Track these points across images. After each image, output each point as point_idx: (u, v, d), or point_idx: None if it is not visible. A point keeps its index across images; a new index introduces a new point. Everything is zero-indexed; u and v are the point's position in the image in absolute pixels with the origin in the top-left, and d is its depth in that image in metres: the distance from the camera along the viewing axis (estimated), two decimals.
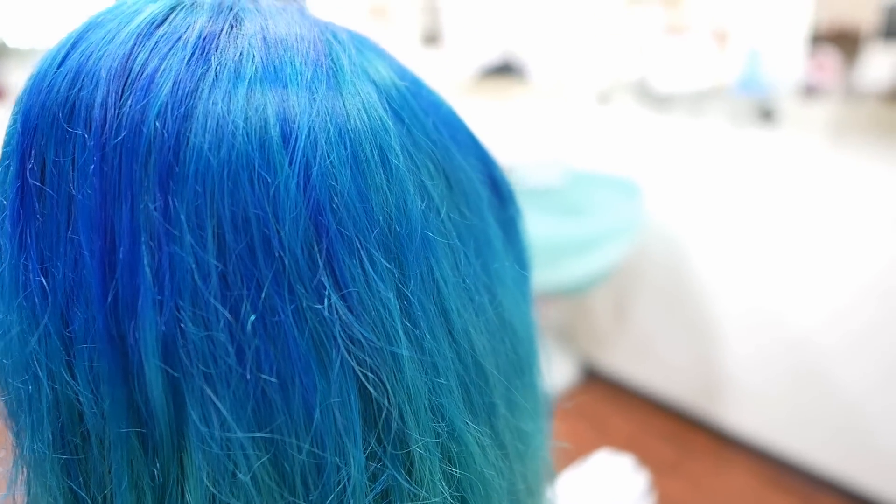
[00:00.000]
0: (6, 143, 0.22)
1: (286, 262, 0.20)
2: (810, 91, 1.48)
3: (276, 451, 0.20)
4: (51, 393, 0.21)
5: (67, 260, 0.20)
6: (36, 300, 0.20)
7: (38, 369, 0.21)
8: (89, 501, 0.22)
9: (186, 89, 0.21)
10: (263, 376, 0.20)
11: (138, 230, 0.20)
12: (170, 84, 0.21)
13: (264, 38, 0.23)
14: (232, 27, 0.23)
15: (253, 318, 0.20)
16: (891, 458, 1.56)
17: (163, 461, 0.21)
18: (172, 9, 0.23)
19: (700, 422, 1.96)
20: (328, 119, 0.21)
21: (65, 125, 0.21)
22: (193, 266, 0.19)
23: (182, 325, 0.20)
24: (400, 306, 0.22)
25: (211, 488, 0.20)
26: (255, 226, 0.20)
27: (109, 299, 0.20)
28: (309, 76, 0.22)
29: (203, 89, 0.21)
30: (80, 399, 0.21)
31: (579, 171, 1.99)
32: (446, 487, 0.23)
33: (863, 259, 1.48)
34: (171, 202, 0.20)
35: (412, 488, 0.22)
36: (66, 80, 0.21)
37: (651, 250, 1.93)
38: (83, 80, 0.21)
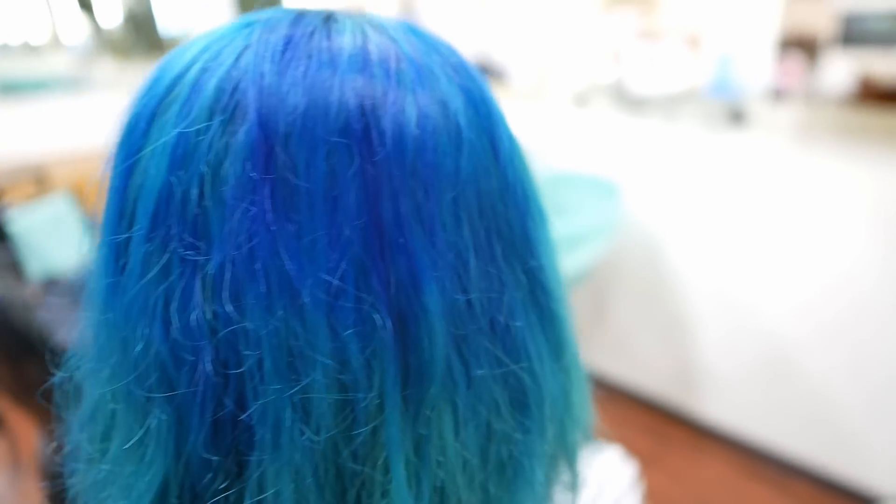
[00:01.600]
0: (241, 147, 0.24)
1: (512, 238, 0.28)
2: (778, 95, 1.53)
3: (512, 381, 0.28)
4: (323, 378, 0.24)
5: (342, 250, 0.24)
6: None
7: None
8: (360, 473, 0.25)
9: (420, 102, 0.26)
10: (509, 322, 0.28)
11: (406, 223, 0.24)
12: (410, 96, 0.26)
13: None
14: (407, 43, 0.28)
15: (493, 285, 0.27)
16: (859, 445, 1.63)
17: (426, 417, 0.25)
18: (364, 36, 0.27)
19: (677, 415, 2.02)
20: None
21: (326, 135, 0.24)
22: (458, 248, 0.26)
23: (456, 296, 0.26)
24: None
25: (472, 425, 0.26)
26: (493, 212, 0.27)
27: (390, 280, 0.24)
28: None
29: (415, 98, 0.26)
30: (354, 376, 0.24)
31: (558, 172, 2.03)
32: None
33: (830, 253, 1.55)
34: (431, 197, 0.25)
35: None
36: (302, 93, 0.24)
37: (628, 249, 1.98)
38: (320, 93, 0.24)
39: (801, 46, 1.46)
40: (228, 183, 0.23)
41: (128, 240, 0.25)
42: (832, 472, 1.70)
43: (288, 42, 0.26)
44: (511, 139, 0.29)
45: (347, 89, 0.25)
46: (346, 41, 0.27)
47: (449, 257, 0.26)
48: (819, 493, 1.69)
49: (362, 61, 0.26)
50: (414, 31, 0.29)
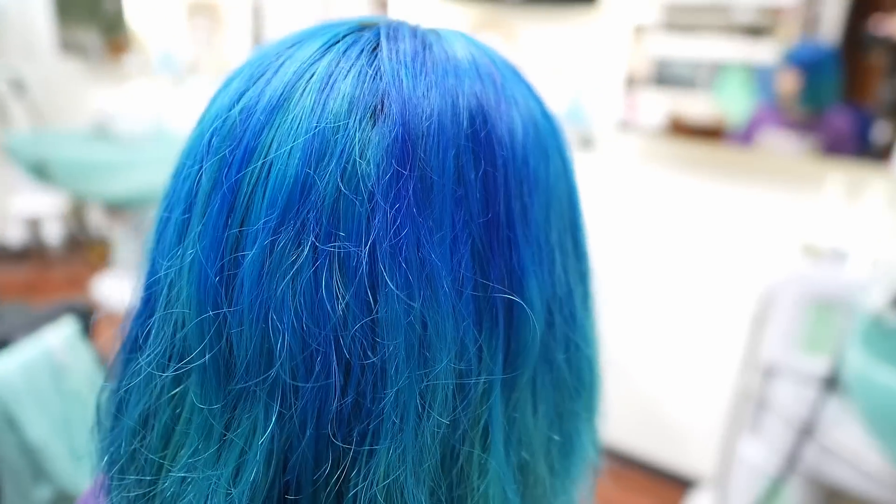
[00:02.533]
0: (387, 144, 0.24)
1: (575, 239, 0.31)
2: (625, 125, 1.76)
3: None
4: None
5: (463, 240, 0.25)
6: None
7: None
8: (465, 453, 0.26)
9: (519, 113, 0.28)
10: (579, 312, 0.30)
11: (515, 222, 0.26)
12: (514, 106, 0.28)
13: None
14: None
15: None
16: (679, 436, 1.83)
17: (516, 399, 0.27)
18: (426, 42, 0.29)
19: None
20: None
21: (455, 138, 0.26)
22: (551, 245, 0.28)
23: (548, 286, 0.28)
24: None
25: (545, 405, 0.29)
26: (566, 215, 0.30)
27: (503, 272, 0.26)
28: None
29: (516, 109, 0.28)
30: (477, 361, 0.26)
31: None
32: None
33: (661, 259, 1.77)
34: (532, 199, 0.27)
35: None
36: (436, 98, 0.26)
37: None
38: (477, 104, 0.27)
39: (631, 85, 1.69)
40: (372, 177, 0.24)
41: (241, 234, 0.24)
42: (659, 460, 1.89)
43: (415, 50, 0.27)
44: (568, 149, 0.32)
45: (470, 97, 0.26)
46: (459, 52, 0.28)
47: (545, 252, 0.28)
48: (649, 480, 1.88)
49: (476, 71, 0.28)
50: (477, 42, 0.31)
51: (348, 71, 0.26)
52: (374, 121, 0.25)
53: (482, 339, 0.26)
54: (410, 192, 0.24)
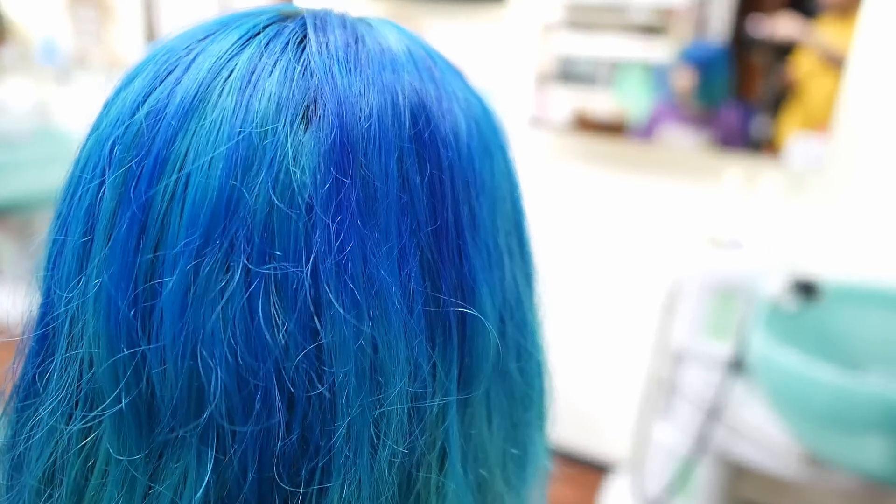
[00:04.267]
0: (324, 149, 0.22)
1: (521, 241, 0.30)
2: (536, 122, 1.79)
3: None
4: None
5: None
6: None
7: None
8: (423, 477, 0.24)
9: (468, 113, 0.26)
10: (530, 318, 0.30)
11: (464, 227, 0.25)
12: (455, 101, 0.26)
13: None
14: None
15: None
16: (595, 424, 1.90)
17: (471, 414, 0.26)
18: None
19: None
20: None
21: (398, 140, 0.23)
22: (500, 250, 0.27)
23: (499, 294, 0.27)
24: None
25: (499, 416, 0.27)
26: (510, 217, 0.29)
27: (453, 283, 0.25)
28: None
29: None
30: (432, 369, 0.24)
31: None
32: None
33: (573, 251, 1.82)
34: (479, 203, 0.26)
35: None
36: (374, 96, 0.23)
37: None
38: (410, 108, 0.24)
39: (543, 83, 1.72)
40: (308, 187, 0.21)
41: (156, 258, 0.21)
42: (576, 447, 1.95)
43: (347, 43, 0.25)
44: (509, 145, 0.30)
45: (410, 93, 0.24)
46: (393, 44, 0.26)
47: (494, 258, 0.26)
48: (566, 467, 1.94)
49: (413, 65, 0.25)
50: (409, 33, 0.28)
51: (273, 67, 0.23)
52: (307, 123, 0.22)
53: (436, 355, 0.24)
54: (353, 201, 0.22)
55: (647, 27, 1.49)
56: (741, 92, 1.41)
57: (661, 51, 1.49)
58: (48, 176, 2.50)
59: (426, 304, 0.24)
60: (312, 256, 0.21)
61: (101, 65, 2.52)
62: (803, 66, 1.33)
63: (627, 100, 1.56)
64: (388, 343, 0.22)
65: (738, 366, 1.25)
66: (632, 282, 1.73)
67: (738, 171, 1.38)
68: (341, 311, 0.21)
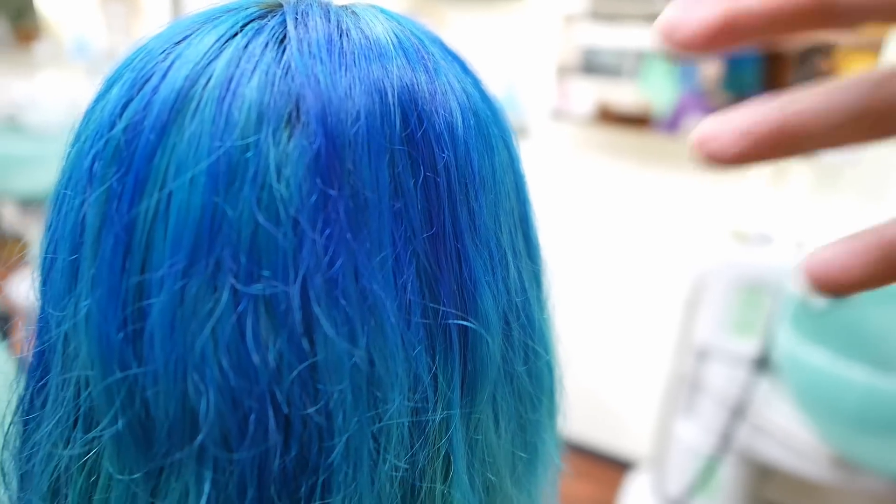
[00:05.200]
0: (308, 159, 0.21)
1: (527, 236, 0.28)
2: (559, 114, 1.77)
3: None
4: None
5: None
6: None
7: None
8: (427, 488, 0.24)
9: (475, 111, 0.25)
10: (538, 316, 0.28)
11: (463, 231, 0.23)
12: (450, 93, 0.24)
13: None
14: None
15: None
16: (617, 421, 1.88)
17: (476, 420, 0.25)
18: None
19: None
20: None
21: (388, 143, 0.22)
22: (503, 249, 0.26)
23: (504, 296, 0.26)
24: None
25: (507, 419, 0.27)
26: (515, 211, 0.27)
27: (453, 290, 0.23)
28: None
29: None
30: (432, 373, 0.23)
31: None
32: None
33: (595, 245, 1.80)
34: (478, 201, 0.24)
35: None
36: (360, 96, 0.22)
37: None
38: (411, 105, 0.23)
39: (563, 75, 1.70)
40: (294, 202, 0.20)
41: (143, 280, 0.20)
42: (598, 444, 1.93)
43: (330, 38, 0.23)
44: (512, 135, 0.28)
45: (400, 89, 0.23)
46: (381, 33, 0.24)
47: (496, 258, 0.25)
48: (588, 464, 1.92)
49: (403, 56, 0.24)
50: (398, 17, 0.27)
51: (253, 71, 0.21)
52: (291, 132, 0.21)
53: (437, 366, 0.23)
54: (342, 213, 0.21)
55: None
56: (771, 82, 1.37)
57: None
58: None
59: (424, 315, 0.23)
60: (301, 274, 0.20)
61: None
62: (838, 54, 1.28)
63: (652, 91, 1.53)
64: (384, 358, 0.22)
65: (763, 363, 1.22)
66: (654, 276, 1.70)
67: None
68: (333, 330, 0.21)
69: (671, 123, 1.52)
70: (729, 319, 1.32)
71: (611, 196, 1.72)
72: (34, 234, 2.78)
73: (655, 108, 1.54)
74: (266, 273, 0.20)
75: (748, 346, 1.29)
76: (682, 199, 1.61)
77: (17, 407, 0.25)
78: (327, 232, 0.20)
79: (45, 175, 2.47)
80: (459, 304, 0.23)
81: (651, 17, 1.49)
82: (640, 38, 1.51)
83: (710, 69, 1.43)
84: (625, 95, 1.57)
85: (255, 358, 0.20)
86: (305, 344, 0.20)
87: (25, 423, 0.24)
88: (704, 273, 1.39)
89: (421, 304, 0.23)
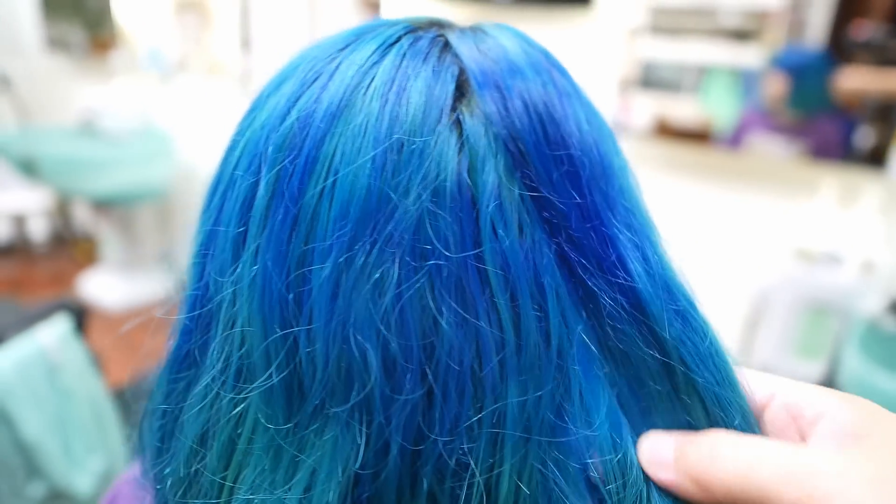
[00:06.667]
0: (497, 155, 0.23)
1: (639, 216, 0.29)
2: (617, 127, 1.77)
3: None
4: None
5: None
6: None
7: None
8: None
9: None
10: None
11: (605, 209, 0.25)
12: (575, 98, 0.27)
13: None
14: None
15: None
16: None
17: None
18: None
19: None
20: None
21: (550, 147, 0.24)
22: (633, 228, 0.27)
23: (643, 267, 0.26)
24: None
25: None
26: (630, 194, 0.29)
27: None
28: None
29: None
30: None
31: None
32: None
33: None
34: (614, 188, 0.26)
35: None
36: (531, 105, 0.24)
37: None
38: (541, 113, 0.25)
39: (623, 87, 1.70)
40: (465, 188, 0.23)
41: (308, 249, 0.23)
42: None
43: (482, 52, 0.26)
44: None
45: (536, 98, 0.25)
46: (512, 49, 0.27)
47: (636, 237, 0.27)
48: None
49: (533, 69, 0.26)
50: (522, 34, 0.29)
51: (417, 74, 0.24)
52: (456, 128, 0.23)
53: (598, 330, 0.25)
54: (506, 197, 0.23)
55: (738, 31, 1.45)
56: (840, 101, 1.35)
57: (751, 56, 1.44)
58: (148, 172, 2.67)
59: (574, 292, 0.25)
60: (474, 250, 0.22)
61: (199, 69, 2.67)
62: None
63: (713, 106, 1.52)
64: (546, 330, 0.23)
65: (828, 387, 1.20)
66: (713, 294, 1.68)
67: (834, 182, 1.32)
68: (502, 301, 0.23)
69: (733, 140, 1.51)
70: (792, 341, 1.30)
71: (669, 210, 1.72)
72: (105, 233, 2.91)
73: (716, 123, 1.53)
74: (436, 247, 0.22)
75: (812, 369, 1.26)
76: (743, 217, 1.59)
77: (167, 367, 0.27)
78: (506, 213, 0.23)
79: (116, 178, 2.58)
80: (610, 278, 0.25)
81: (712, 32, 1.48)
82: (701, 52, 1.51)
83: (775, 86, 1.42)
84: (684, 110, 1.57)
85: (421, 324, 0.22)
86: (470, 313, 0.22)
87: (176, 380, 0.27)
88: (766, 292, 1.37)
89: (570, 282, 0.24)
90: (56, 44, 3.25)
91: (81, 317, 1.18)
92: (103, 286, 2.87)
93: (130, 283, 2.83)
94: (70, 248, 3.43)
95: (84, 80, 3.28)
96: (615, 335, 0.25)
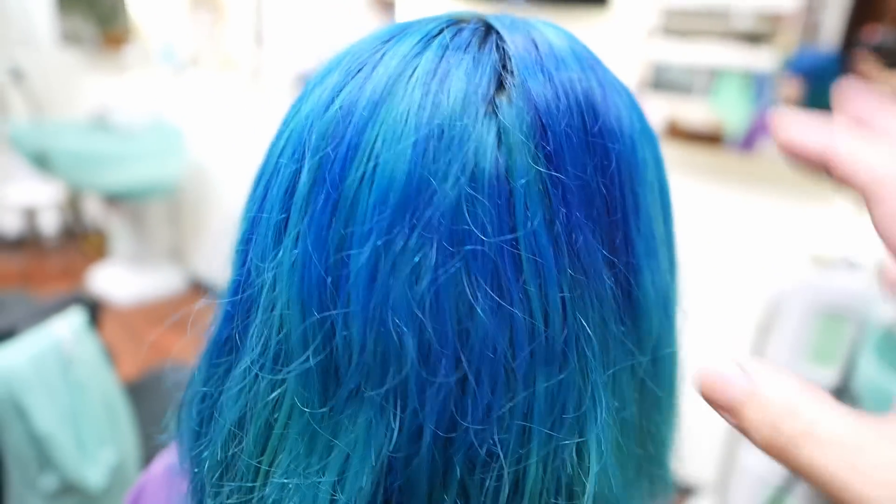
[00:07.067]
0: (535, 144, 0.23)
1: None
2: None
3: None
4: None
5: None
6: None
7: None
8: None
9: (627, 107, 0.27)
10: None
11: (629, 215, 0.26)
12: (616, 92, 0.27)
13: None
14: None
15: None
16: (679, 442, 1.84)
17: None
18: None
19: None
20: None
21: (588, 138, 0.24)
22: (655, 232, 0.28)
23: (659, 276, 0.27)
24: None
25: None
26: (664, 195, 0.30)
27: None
28: None
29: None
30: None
31: None
32: None
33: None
34: (642, 191, 0.27)
35: None
36: (571, 96, 0.25)
37: None
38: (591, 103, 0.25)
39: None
40: (501, 174, 0.23)
41: (347, 233, 0.23)
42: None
43: (525, 45, 0.26)
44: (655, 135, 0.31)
45: (579, 91, 0.25)
46: (557, 43, 0.27)
47: (652, 245, 0.27)
48: None
49: (578, 63, 0.26)
50: (566, 31, 0.29)
51: (459, 63, 0.24)
52: (495, 115, 0.23)
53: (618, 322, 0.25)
54: (546, 186, 0.23)
55: (750, 34, 1.44)
56: None
57: (764, 58, 1.44)
58: (159, 167, 2.68)
59: (611, 276, 0.25)
60: (507, 234, 0.23)
61: (212, 64, 2.68)
62: None
63: (725, 109, 1.52)
64: (583, 316, 0.24)
65: (841, 393, 1.19)
66: (725, 298, 1.67)
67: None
68: (533, 287, 0.23)
69: (746, 142, 1.50)
70: (806, 346, 1.29)
71: (680, 213, 1.71)
72: (115, 228, 2.93)
73: (728, 126, 1.52)
74: (474, 233, 0.22)
75: (826, 375, 1.25)
76: (756, 221, 1.58)
77: (207, 352, 0.28)
78: (548, 201, 0.23)
79: (128, 172, 2.59)
80: (623, 277, 0.25)
81: (724, 35, 1.48)
82: (713, 54, 1.50)
83: (789, 88, 1.41)
84: (695, 112, 1.56)
85: (457, 309, 0.22)
86: (506, 301, 0.22)
87: (216, 364, 0.27)
88: (779, 297, 1.37)
89: (609, 271, 0.25)
90: (69, 38, 3.26)
91: (95, 310, 1.18)
92: (113, 280, 2.88)
93: (140, 278, 2.85)
94: (80, 241, 3.45)
95: (97, 74, 3.29)
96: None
